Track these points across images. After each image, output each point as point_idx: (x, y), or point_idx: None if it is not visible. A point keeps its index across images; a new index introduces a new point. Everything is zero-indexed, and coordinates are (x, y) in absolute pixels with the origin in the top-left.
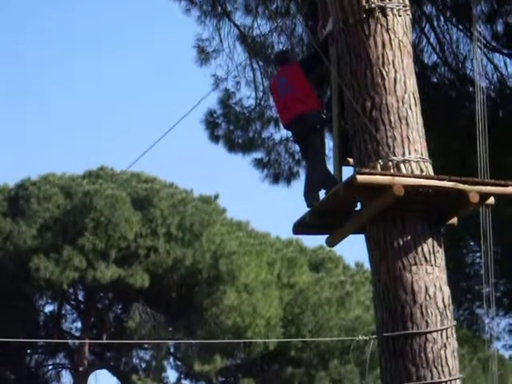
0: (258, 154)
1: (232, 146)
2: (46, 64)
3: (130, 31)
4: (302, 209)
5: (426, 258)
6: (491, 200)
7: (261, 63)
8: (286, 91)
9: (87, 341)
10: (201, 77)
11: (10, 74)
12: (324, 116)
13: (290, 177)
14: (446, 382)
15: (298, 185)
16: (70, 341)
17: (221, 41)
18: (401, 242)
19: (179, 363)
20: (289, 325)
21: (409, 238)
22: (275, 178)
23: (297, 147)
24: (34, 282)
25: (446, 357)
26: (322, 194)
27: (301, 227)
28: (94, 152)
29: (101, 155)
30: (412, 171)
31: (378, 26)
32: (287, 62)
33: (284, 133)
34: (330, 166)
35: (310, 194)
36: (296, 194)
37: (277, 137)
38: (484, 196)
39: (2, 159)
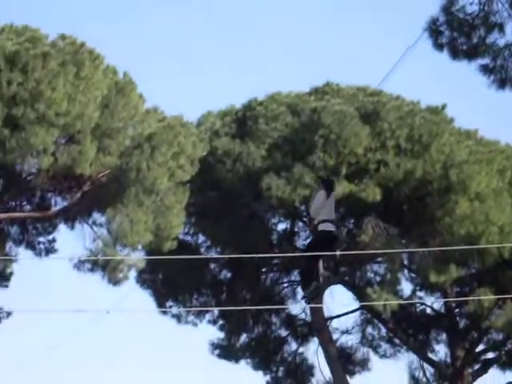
0: (483, 61)
1: (456, 53)
2: None
3: None
4: None
5: None
6: None
7: None
8: None
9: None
10: None
11: None
12: None
13: None
14: None
15: None
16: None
17: None
18: None
19: (413, 275)
20: None
21: None
22: (502, 84)
23: None
24: (266, 201)
25: None
26: None
27: None
28: (318, 67)
29: (325, 70)
30: None
31: None
32: None
33: (510, 37)
34: None
35: None
36: None
37: (501, 42)
38: None
39: (228, 80)
